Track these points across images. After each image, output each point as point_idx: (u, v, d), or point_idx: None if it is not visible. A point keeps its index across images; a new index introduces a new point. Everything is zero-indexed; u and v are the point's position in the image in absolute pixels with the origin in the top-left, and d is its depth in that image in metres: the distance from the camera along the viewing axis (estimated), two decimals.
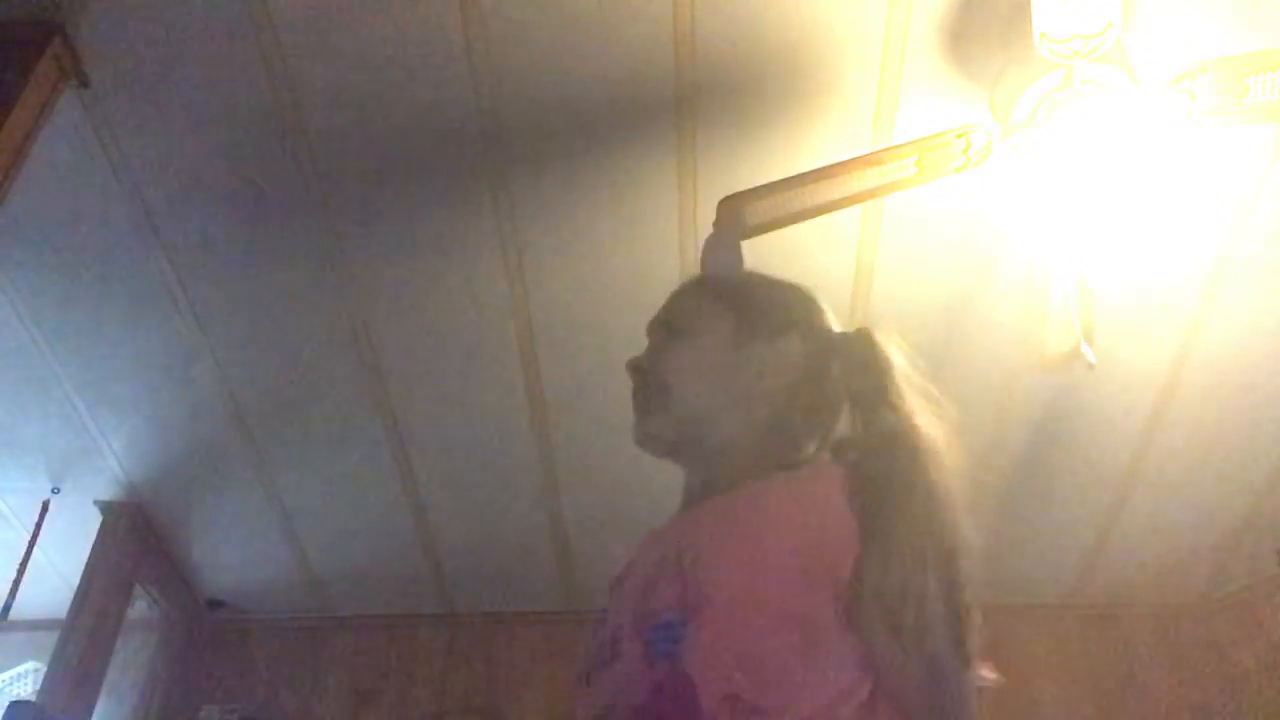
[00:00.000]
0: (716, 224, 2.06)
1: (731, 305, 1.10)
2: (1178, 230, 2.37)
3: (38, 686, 3.04)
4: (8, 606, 2.98)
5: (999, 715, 3.35)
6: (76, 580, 3.04)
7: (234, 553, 3.37)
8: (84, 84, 2.06)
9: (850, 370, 1.04)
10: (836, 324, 1.15)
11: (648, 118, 2.17)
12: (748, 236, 2.07)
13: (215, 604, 3.56)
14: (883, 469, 0.91)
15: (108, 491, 3.12)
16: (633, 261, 2.46)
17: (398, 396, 2.81)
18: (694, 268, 2.47)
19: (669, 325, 1.11)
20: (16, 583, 3.00)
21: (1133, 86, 1.84)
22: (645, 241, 2.42)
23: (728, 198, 2.01)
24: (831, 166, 1.95)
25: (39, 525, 3.05)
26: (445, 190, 2.31)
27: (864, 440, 0.97)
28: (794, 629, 0.80)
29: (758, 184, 1.99)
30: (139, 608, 3.30)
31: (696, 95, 2.13)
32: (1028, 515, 3.17)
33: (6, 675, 3.28)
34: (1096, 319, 2.16)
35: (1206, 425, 2.83)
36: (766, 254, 2.37)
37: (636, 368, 1.10)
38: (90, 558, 3.06)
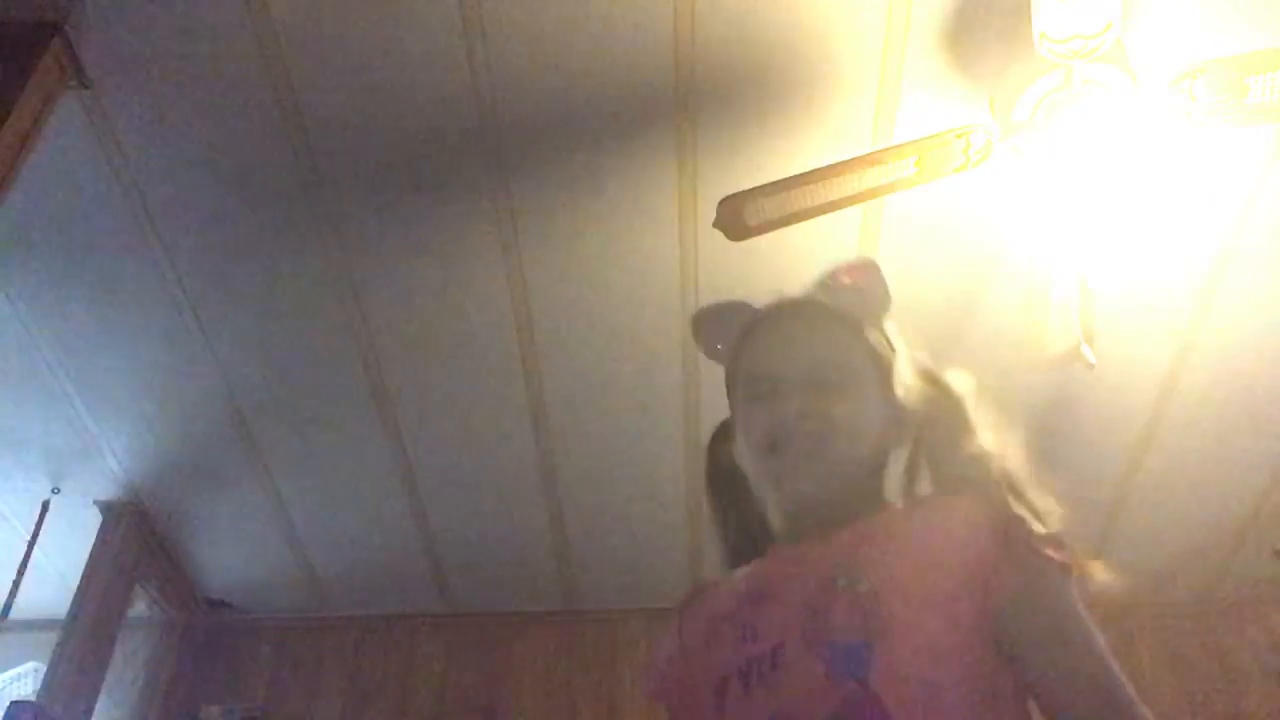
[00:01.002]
0: (716, 223, 2.06)
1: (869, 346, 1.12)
2: (1177, 230, 2.37)
3: (38, 687, 3.03)
4: (8, 606, 2.98)
5: None
6: (76, 580, 3.04)
7: (234, 553, 3.37)
8: (84, 85, 2.06)
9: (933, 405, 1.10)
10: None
11: (648, 118, 2.17)
12: (748, 236, 2.07)
13: (215, 604, 3.56)
14: (1001, 497, 0.98)
15: (108, 491, 3.12)
16: (633, 261, 2.46)
17: (398, 396, 2.81)
18: (694, 268, 2.47)
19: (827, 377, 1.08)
20: (17, 583, 3.00)
21: (1132, 86, 1.84)
22: (645, 241, 2.43)
23: (728, 198, 2.01)
24: (831, 166, 1.95)
25: (39, 525, 3.05)
26: (445, 190, 2.31)
27: (967, 470, 1.02)
28: (967, 652, 0.87)
29: (758, 184, 1.99)
30: (139, 608, 3.30)
31: (696, 95, 2.13)
32: None
33: (6, 675, 3.28)
34: (1096, 319, 2.16)
35: (1206, 425, 2.83)
36: (767, 254, 2.38)
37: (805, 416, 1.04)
38: (90, 558, 3.06)
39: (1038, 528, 0.95)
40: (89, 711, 2.94)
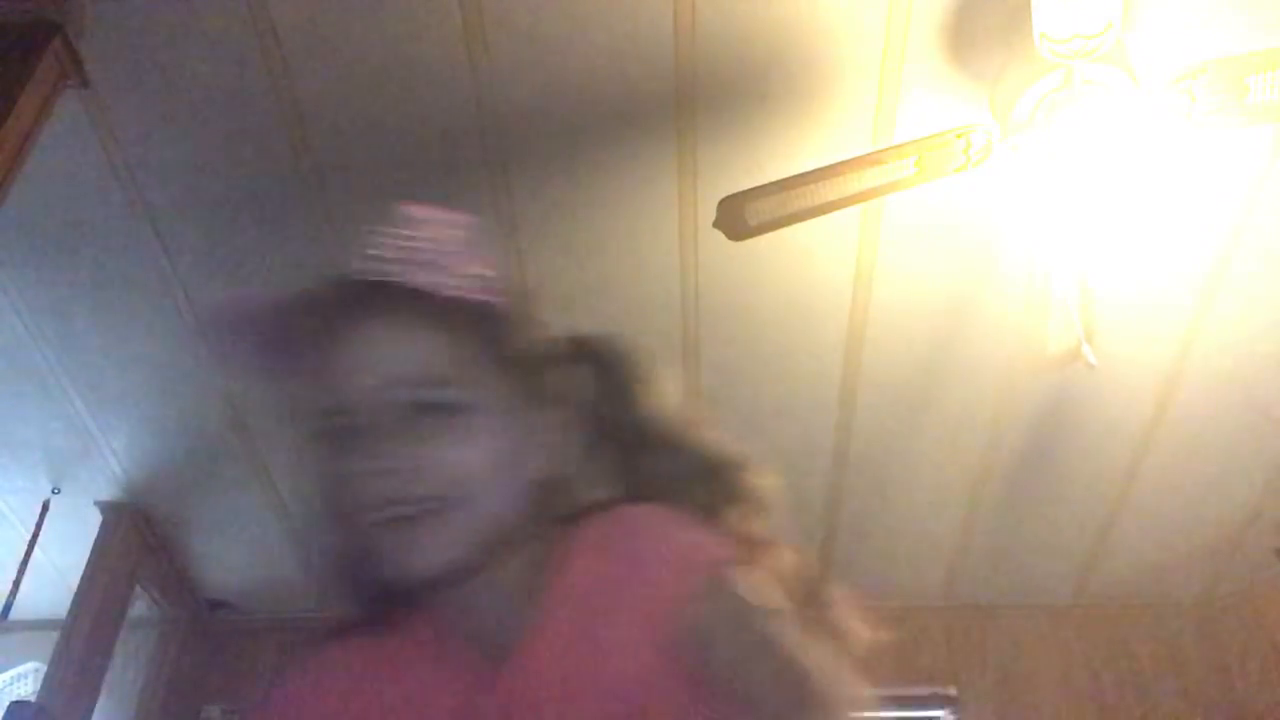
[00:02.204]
0: (717, 223, 2.06)
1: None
2: (1178, 230, 2.37)
3: (38, 687, 3.03)
4: (8, 607, 2.98)
5: (999, 717, 3.35)
6: (77, 580, 3.04)
7: (234, 553, 3.37)
8: (84, 84, 2.06)
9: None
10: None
11: (648, 117, 2.17)
12: (748, 236, 2.07)
13: (215, 604, 3.56)
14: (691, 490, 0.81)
15: (108, 492, 3.12)
16: (633, 261, 2.46)
17: None
18: (694, 268, 2.48)
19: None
20: (17, 583, 3.00)
21: (1133, 86, 1.84)
22: (645, 241, 2.43)
23: (728, 198, 2.01)
24: (832, 166, 1.95)
25: (39, 525, 3.05)
26: (445, 190, 2.31)
27: (650, 466, 0.82)
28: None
29: (758, 184, 1.99)
30: (139, 608, 3.30)
31: (697, 95, 2.13)
32: (1028, 516, 3.17)
33: (7, 675, 3.27)
34: (1096, 319, 2.16)
35: (1206, 425, 2.83)
36: (767, 254, 2.38)
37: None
38: (90, 558, 3.06)
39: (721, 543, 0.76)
40: (89, 711, 2.94)
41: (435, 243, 0.76)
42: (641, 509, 0.79)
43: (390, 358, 0.73)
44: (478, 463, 0.73)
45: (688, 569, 0.73)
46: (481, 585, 0.74)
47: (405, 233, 0.76)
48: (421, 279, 0.73)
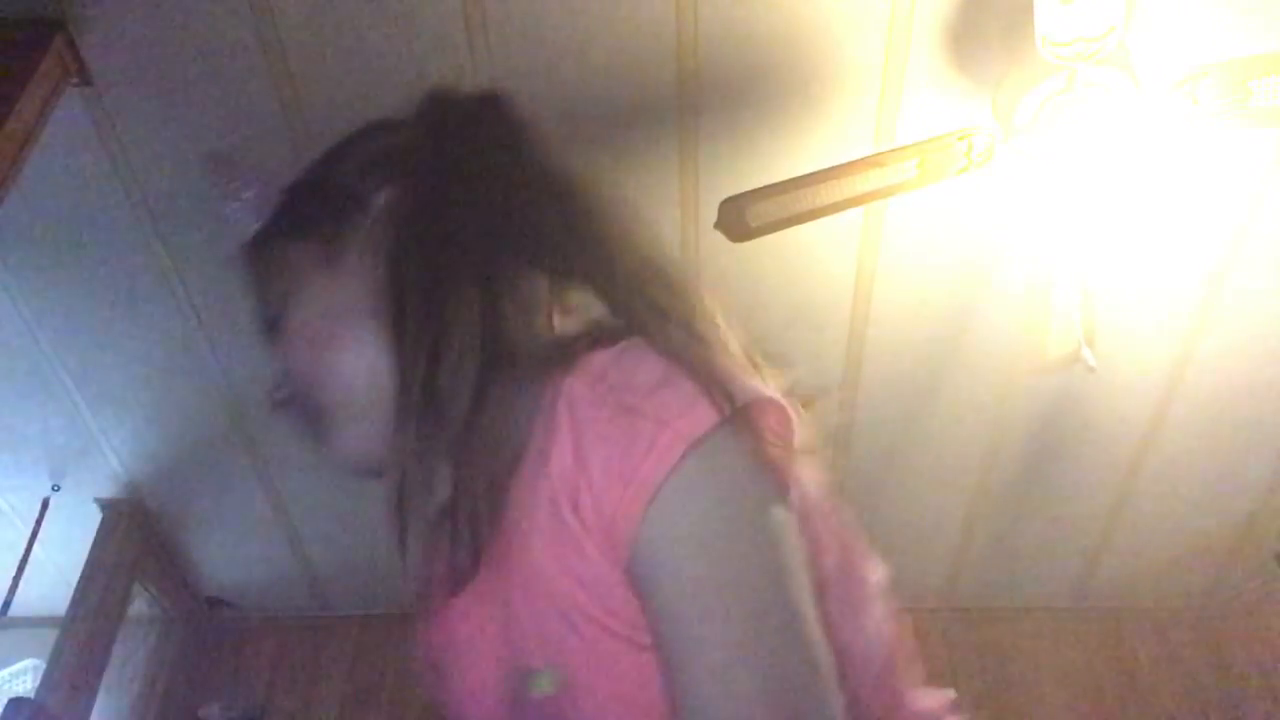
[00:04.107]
0: (718, 225, 2.06)
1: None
2: (1179, 233, 2.37)
3: (37, 684, 3.03)
4: (7, 603, 2.98)
5: (998, 719, 3.35)
6: (76, 578, 3.04)
7: (234, 551, 3.37)
8: (86, 82, 2.06)
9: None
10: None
11: (649, 118, 2.17)
12: (749, 238, 2.07)
13: (215, 602, 3.56)
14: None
15: (108, 489, 3.12)
16: None
17: None
18: (694, 268, 2.47)
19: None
20: (16, 580, 3.00)
21: (1135, 89, 1.83)
22: None
23: (729, 199, 2.01)
24: (833, 168, 1.95)
25: (39, 522, 3.05)
26: None
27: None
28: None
29: (759, 185, 1.99)
30: (138, 605, 3.30)
31: (698, 96, 2.12)
32: (1028, 518, 3.17)
33: (6, 672, 3.28)
34: (1097, 322, 2.16)
35: (1207, 429, 2.83)
36: (768, 255, 2.37)
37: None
38: (90, 555, 3.06)
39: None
40: (88, 709, 2.94)
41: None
42: (609, 363, 0.64)
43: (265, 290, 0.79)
44: (309, 353, 0.73)
45: (647, 457, 0.57)
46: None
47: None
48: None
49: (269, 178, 0.81)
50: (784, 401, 0.64)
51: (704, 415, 0.59)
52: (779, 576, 0.58)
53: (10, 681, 3.24)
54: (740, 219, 2.02)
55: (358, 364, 0.70)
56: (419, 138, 0.79)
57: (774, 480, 0.62)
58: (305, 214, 0.75)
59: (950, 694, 0.73)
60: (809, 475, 0.69)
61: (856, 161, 1.96)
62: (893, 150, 1.97)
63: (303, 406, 0.73)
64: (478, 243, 0.68)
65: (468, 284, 0.66)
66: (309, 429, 0.73)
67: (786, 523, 0.61)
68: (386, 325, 0.68)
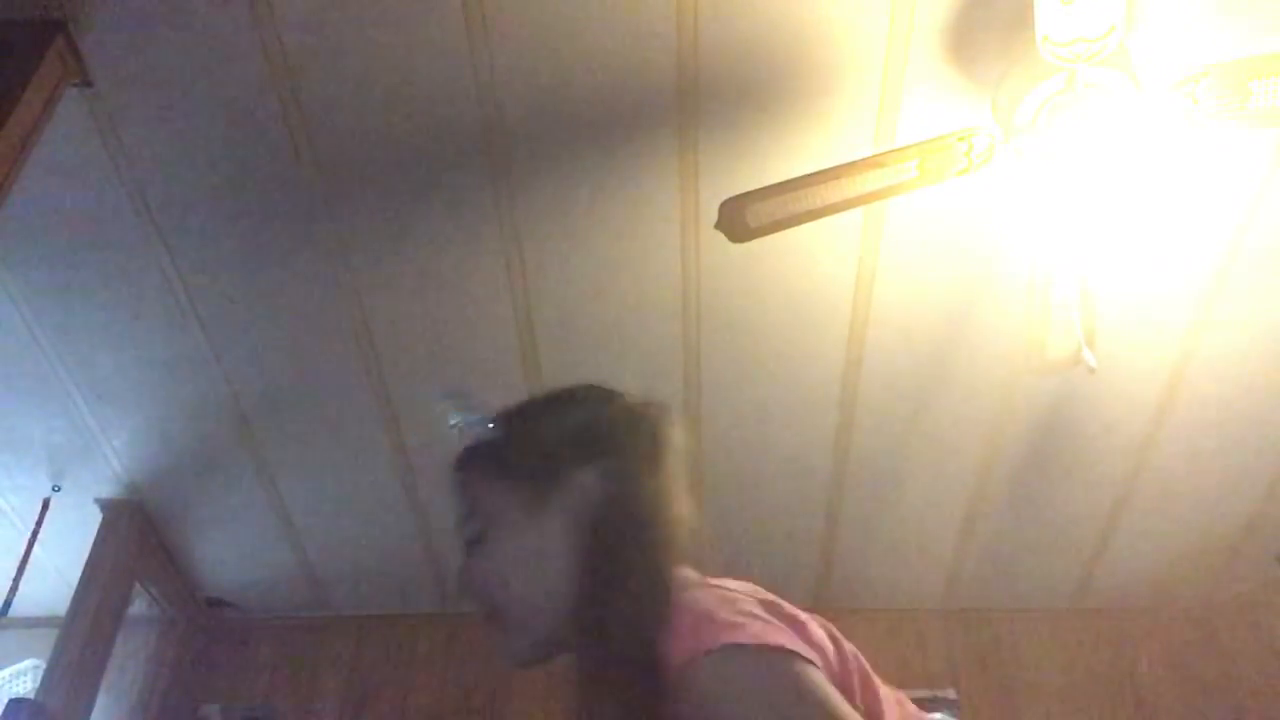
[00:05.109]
0: (718, 225, 2.06)
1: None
2: (1179, 234, 2.37)
3: (37, 684, 3.03)
4: (8, 604, 2.98)
5: (1000, 719, 3.35)
6: (77, 578, 3.05)
7: (234, 551, 3.37)
8: (87, 83, 2.06)
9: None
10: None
11: (649, 119, 2.17)
12: (750, 238, 2.07)
13: (215, 602, 3.57)
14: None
15: (108, 489, 3.12)
16: (634, 263, 2.46)
17: (398, 395, 2.81)
18: (695, 269, 2.48)
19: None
20: (17, 580, 3.00)
21: (1135, 90, 1.83)
22: (647, 243, 2.42)
23: (730, 199, 2.01)
24: (833, 169, 1.95)
25: (39, 523, 3.05)
26: (447, 190, 2.31)
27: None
28: None
29: (760, 186, 1.99)
30: (139, 606, 3.30)
31: (698, 96, 2.13)
32: (1029, 519, 3.17)
33: (6, 672, 3.28)
34: (1098, 323, 2.16)
35: (1207, 429, 2.83)
36: (768, 256, 2.38)
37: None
38: (90, 555, 3.07)
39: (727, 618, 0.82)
40: (88, 708, 2.94)
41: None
42: (698, 602, 0.86)
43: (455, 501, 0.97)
44: (501, 574, 0.92)
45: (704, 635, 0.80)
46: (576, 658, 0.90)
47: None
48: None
49: (490, 412, 1.00)
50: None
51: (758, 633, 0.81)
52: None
53: (10, 681, 3.24)
54: (740, 219, 2.02)
55: (542, 598, 0.91)
56: (615, 425, 0.98)
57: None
58: (516, 464, 0.95)
59: (950, 694, 0.80)
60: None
61: (856, 162, 1.96)
62: (893, 150, 1.97)
63: (485, 604, 0.93)
64: (660, 533, 0.92)
65: (648, 567, 0.88)
66: (487, 617, 0.94)
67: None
68: (575, 577, 0.89)
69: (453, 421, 1.00)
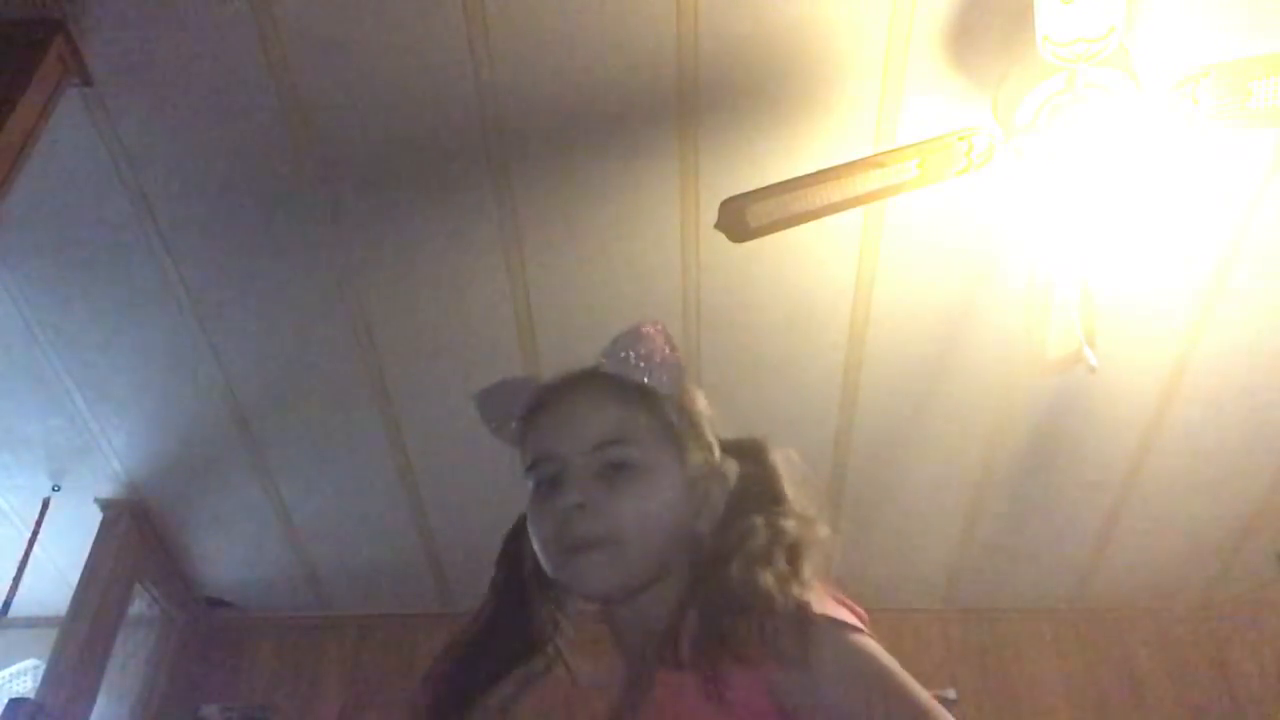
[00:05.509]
0: (718, 225, 2.06)
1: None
2: (1180, 234, 2.37)
3: (37, 684, 3.03)
4: (8, 603, 2.98)
5: (1000, 719, 3.35)
6: (76, 578, 3.04)
7: (234, 551, 3.37)
8: (87, 82, 2.06)
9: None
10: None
11: (650, 118, 2.17)
12: (750, 238, 2.07)
13: (215, 602, 3.56)
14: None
15: (108, 489, 3.12)
16: (633, 262, 2.46)
17: (398, 395, 2.81)
18: (695, 269, 2.48)
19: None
20: (17, 580, 3.00)
21: (1136, 90, 1.83)
22: (646, 242, 2.42)
23: (729, 199, 2.01)
24: (833, 168, 1.95)
25: (39, 522, 3.05)
26: (447, 190, 2.31)
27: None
28: None
29: (759, 185, 1.99)
30: (139, 605, 3.30)
31: (698, 96, 2.13)
32: (1028, 519, 3.17)
33: (6, 672, 3.28)
34: (1098, 323, 2.16)
35: (1207, 429, 2.83)
36: (768, 256, 2.38)
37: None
38: (90, 555, 3.06)
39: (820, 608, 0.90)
40: (88, 708, 2.94)
41: (648, 348, 1.04)
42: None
43: (595, 422, 0.96)
44: (649, 513, 0.93)
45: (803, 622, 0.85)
46: (640, 607, 0.93)
47: (630, 341, 1.04)
48: (635, 375, 0.99)
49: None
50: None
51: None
52: None
53: (10, 681, 3.24)
54: (740, 219, 2.02)
55: (667, 542, 0.94)
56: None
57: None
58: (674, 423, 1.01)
59: (950, 694, 0.83)
60: None
61: (856, 162, 1.95)
62: (893, 150, 1.97)
63: (604, 531, 0.92)
64: (782, 505, 0.98)
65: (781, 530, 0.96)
66: (577, 547, 0.92)
67: None
68: (703, 534, 0.96)
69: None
